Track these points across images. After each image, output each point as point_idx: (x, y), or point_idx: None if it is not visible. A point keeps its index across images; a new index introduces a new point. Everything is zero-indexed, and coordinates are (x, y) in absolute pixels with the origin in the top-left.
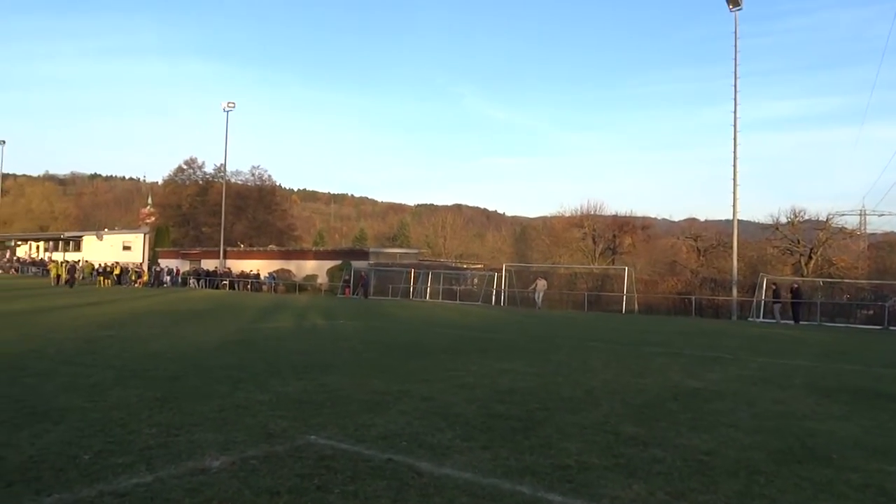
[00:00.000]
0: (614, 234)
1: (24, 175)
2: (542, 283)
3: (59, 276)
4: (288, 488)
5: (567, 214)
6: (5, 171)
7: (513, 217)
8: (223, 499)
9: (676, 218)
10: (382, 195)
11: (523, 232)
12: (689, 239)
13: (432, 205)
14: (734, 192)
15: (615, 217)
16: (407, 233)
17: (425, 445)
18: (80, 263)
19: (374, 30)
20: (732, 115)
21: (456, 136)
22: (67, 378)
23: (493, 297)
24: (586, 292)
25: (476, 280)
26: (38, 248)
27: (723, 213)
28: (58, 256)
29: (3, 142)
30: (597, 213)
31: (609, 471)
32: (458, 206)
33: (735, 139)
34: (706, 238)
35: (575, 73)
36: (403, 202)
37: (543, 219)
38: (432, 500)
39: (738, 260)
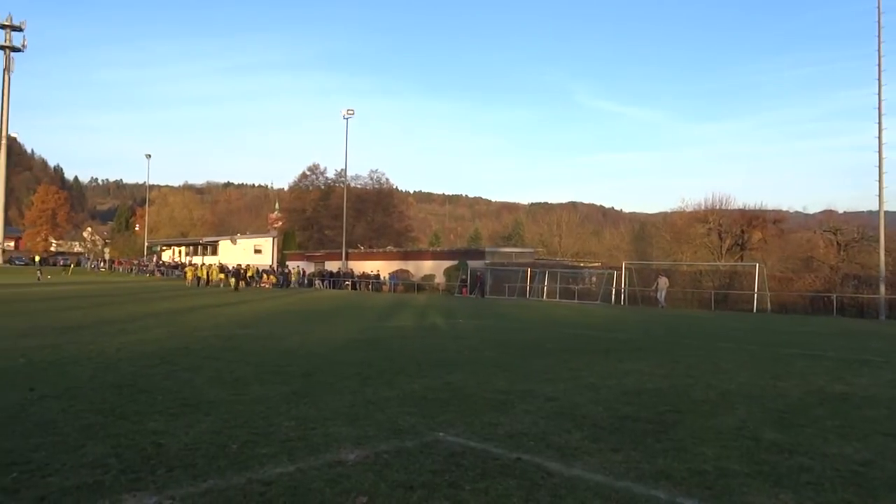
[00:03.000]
0: (742, 228)
1: (166, 185)
2: (664, 281)
3: (198, 278)
4: (421, 483)
5: (689, 209)
6: (151, 182)
7: (631, 214)
8: (361, 490)
9: (812, 210)
10: (496, 195)
11: (642, 229)
12: (827, 232)
13: (546, 203)
14: (880, 181)
15: (743, 211)
16: (521, 232)
17: (553, 446)
18: (208, 266)
19: (483, 33)
20: (876, 97)
21: (569, 133)
22: (213, 373)
23: (613, 296)
24: (713, 291)
25: (594, 279)
26: (179, 252)
27: (865, 204)
28: (197, 260)
29: (149, 155)
30: (723, 206)
31: (751, 478)
32: (572, 204)
33: (880, 123)
34: (847, 231)
35: (693, 60)
36: (517, 201)
37: (664, 214)
38: (564, 502)
39: (885, 254)
